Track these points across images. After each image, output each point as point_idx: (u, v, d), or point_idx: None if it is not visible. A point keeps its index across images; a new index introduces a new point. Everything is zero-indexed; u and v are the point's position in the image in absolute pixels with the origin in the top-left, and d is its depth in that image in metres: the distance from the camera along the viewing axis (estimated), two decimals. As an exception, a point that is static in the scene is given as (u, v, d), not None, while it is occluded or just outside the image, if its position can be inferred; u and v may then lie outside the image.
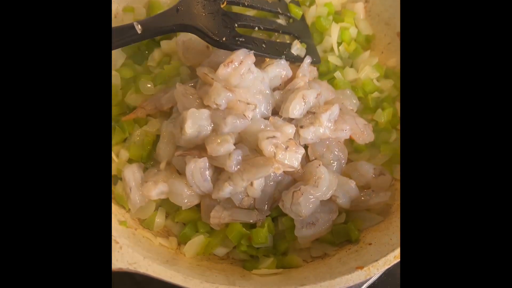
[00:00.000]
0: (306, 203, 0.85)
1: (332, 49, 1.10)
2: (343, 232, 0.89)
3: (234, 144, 0.86)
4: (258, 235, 0.86)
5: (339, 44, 1.11)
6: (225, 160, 0.84)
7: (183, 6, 0.93)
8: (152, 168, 0.92)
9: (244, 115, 0.87)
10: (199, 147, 0.88)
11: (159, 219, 0.91)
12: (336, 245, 0.90)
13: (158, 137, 0.95)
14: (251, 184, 0.86)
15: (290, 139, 0.87)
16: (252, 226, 0.89)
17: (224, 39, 0.92)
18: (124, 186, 0.89)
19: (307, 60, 1.01)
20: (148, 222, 0.91)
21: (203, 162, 0.84)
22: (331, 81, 1.06)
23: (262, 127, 0.88)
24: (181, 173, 0.90)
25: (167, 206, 0.93)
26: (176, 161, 0.90)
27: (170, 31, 0.92)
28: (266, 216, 0.89)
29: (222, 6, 0.97)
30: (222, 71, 0.89)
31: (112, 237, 0.74)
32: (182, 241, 0.90)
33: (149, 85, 1.00)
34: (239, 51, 0.90)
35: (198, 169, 0.84)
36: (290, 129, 0.89)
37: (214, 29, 0.92)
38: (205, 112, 0.85)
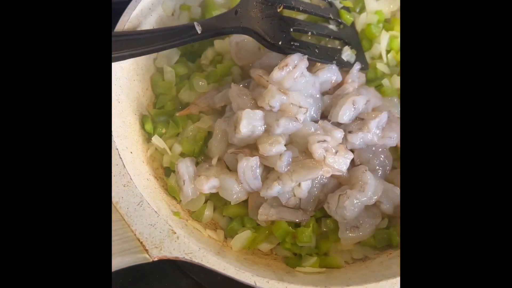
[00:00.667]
0: (351, 207, 0.88)
1: (380, 56, 1.12)
2: (385, 237, 0.91)
3: (285, 145, 0.89)
4: (303, 234, 0.89)
5: (387, 52, 1.12)
6: (276, 160, 0.87)
7: (241, 9, 0.96)
8: (204, 163, 0.97)
9: (296, 118, 0.90)
10: (251, 146, 0.92)
11: (208, 212, 0.95)
12: (377, 249, 0.92)
13: (209, 133, 1.00)
14: (299, 185, 0.89)
15: (340, 143, 0.90)
16: (296, 225, 0.92)
17: (280, 42, 0.95)
18: (177, 179, 0.94)
19: (357, 66, 1.03)
20: (197, 214, 0.95)
21: (254, 161, 0.88)
22: (379, 88, 1.07)
23: (313, 130, 0.91)
24: (231, 169, 0.94)
25: (215, 200, 0.97)
26: (227, 158, 0.94)
27: (229, 33, 0.96)
28: (311, 217, 0.92)
29: (278, 10, 1.00)
30: (277, 74, 0.92)
31: (170, 227, 0.79)
32: (229, 234, 0.94)
33: (202, 83, 1.04)
34: (294, 55, 0.93)
35: (250, 167, 0.88)
36: (339, 134, 0.92)
37: (270, 32, 0.95)
38: (259, 113, 0.89)
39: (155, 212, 0.79)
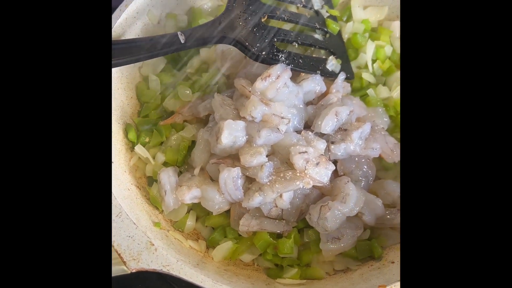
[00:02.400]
0: (333, 218, 0.88)
1: (366, 66, 1.12)
2: (366, 248, 0.91)
3: (267, 156, 0.89)
4: (284, 245, 0.89)
5: (373, 61, 1.12)
6: (257, 171, 0.87)
7: (225, 19, 0.96)
8: (186, 173, 0.97)
9: (278, 128, 0.90)
10: (232, 156, 0.92)
11: (190, 222, 0.95)
12: (359, 260, 0.92)
13: (193, 142, 1.00)
14: (281, 195, 0.89)
15: (322, 155, 0.90)
16: (278, 236, 0.92)
17: (263, 53, 0.95)
18: (159, 188, 0.94)
19: (341, 76, 1.03)
20: (179, 224, 0.95)
21: (236, 171, 0.88)
22: (363, 98, 1.08)
23: (295, 141, 0.91)
24: (213, 179, 0.94)
25: (198, 210, 0.97)
26: (209, 168, 0.94)
27: (212, 43, 0.96)
28: (293, 227, 0.92)
29: (263, 20, 1.00)
30: (260, 84, 0.92)
31: (148, 239, 0.78)
32: (211, 245, 0.94)
33: (187, 92, 1.04)
34: (277, 66, 0.93)
35: (231, 178, 0.88)
36: (322, 145, 0.92)
37: (254, 43, 0.95)
38: (241, 124, 0.89)
39: (134, 223, 0.79)
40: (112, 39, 0.98)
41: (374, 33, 1.16)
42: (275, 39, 0.99)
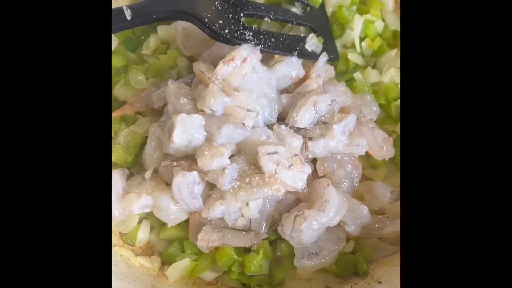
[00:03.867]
0: (309, 230, 0.74)
1: (353, 45, 0.96)
2: (350, 264, 0.78)
3: (231, 157, 0.74)
4: (252, 262, 0.75)
5: (361, 39, 0.96)
6: (218, 176, 0.73)
7: (181, -10, 0.79)
8: (137, 176, 0.82)
9: (243, 124, 0.74)
10: (190, 157, 0.77)
11: (142, 234, 0.81)
12: (340, 278, 0.79)
13: (146, 139, 0.84)
14: (247, 204, 0.74)
15: (296, 155, 0.75)
16: (246, 250, 0.78)
17: (226, 31, 0.78)
18: (103, 196, 0.79)
19: (323, 58, 0.88)
20: (129, 237, 0.81)
21: (192, 177, 0.73)
22: (350, 83, 0.92)
23: (264, 138, 0.76)
24: (169, 184, 0.79)
25: (153, 218, 0.83)
26: (163, 171, 0.79)
27: (164, 19, 0.79)
28: (263, 240, 0.78)
29: (227, -10, 0.83)
30: (222, 70, 0.76)
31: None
32: (167, 260, 0.80)
33: (140, 78, 0.89)
34: (243, 46, 0.77)
35: (186, 184, 0.73)
36: (297, 142, 0.77)
37: (216, 18, 0.79)
38: (197, 119, 0.73)
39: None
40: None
41: (363, 6, 0.99)
42: (242, 14, 0.82)
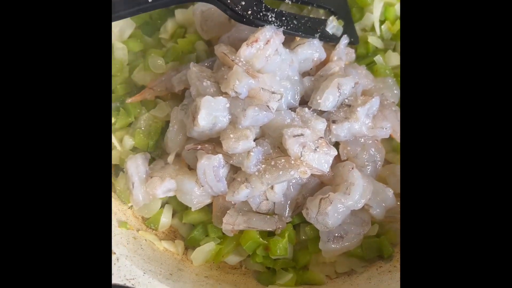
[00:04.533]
0: (334, 213, 0.73)
1: (373, 28, 0.95)
2: (374, 247, 0.78)
3: (255, 140, 0.74)
4: (277, 246, 0.75)
5: (381, 22, 0.95)
6: (243, 159, 0.72)
7: (202, -29, 0.78)
8: (160, 160, 0.81)
9: (267, 106, 0.74)
10: (213, 141, 0.76)
11: (165, 219, 0.81)
12: (365, 261, 0.78)
13: (167, 123, 0.83)
14: (272, 187, 0.74)
15: (321, 137, 0.74)
16: (270, 234, 0.78)
17: (249, 12, 0.77)
18: (126, 180, 0.78)
19: (344, 40, 0.87)
20: (152, 221, 0.81)
21: (217, 160, 0.73)
22: (370, 67, 0.91)
23: (288, 121, 0.76)
24: (192, 168, 0.79)
25: (175, 203, 0.82)
26: (186, 155, 0.78)
27: (184, 1, 0.78)
28: (287, 223, 0.77)
29: (248, -29, 0.81)
30: (245, 51, 0.75)
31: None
32: (190, 245, 0.80)
33: (159, 62, 0.88)
34: (266, 28, 0.76)
35: (211, 167, 0.73)
36: (321, 125, 0.76)
37: (238, 0, 0.77)
38: (222, 101, 0.73)
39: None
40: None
41: (382, -12, 0.97)
42: (264, -5, 0.81)
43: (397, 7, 0.95)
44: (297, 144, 0.71)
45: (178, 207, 0.82)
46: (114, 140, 0.83)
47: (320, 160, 0.72)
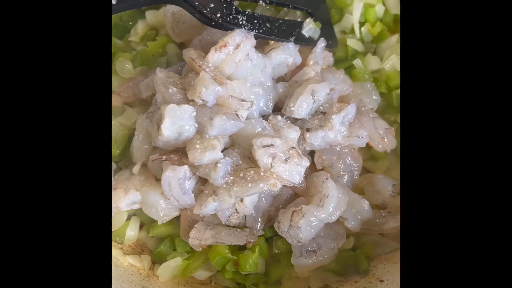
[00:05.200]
0: (307, 227, 0.70)
1: (352, 31, 0.92)
2: (350, 261, 0.75)
3: (223, 150, 0.70)
4: (247, 261, 0.71)
5: (361, 24, 0.92)
6: (210, 170, 0.68)
7: (169, -30, 0.74)
8: (125, 170, 0.78)
9: (236, 114, 0.70)
10: (180, 151, 0.73)
11: (131, 232, 0.77)
12: (340, 276, 0.75)
13: (134, 131, 0.79)
14: (241, 200, 0.70)
15: (292, 147, 0.70)
16: (241, 247, 0.74)
17: (218, 15, 0.73)
18: (89, 192, 0.74)
19: (321, 44, 0.83)
20: (117, 234, 0.77)
21: (182, 171, 0.69)
22: (349, 71, 0.88)
23: (259, 130, 0.72)
24: (158, 179, 0.75)
25: (143, 215, 0.78)
26: (152, 165, 0.75)
27: (152, 3, 0.75)
28: (259, 236, 0.74)
29: (218, -29, 0.77)
30: (213, 56, 0.72)
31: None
32: (157, 259, 0.76)
33: (127, 66, 0.84)
34: (236, 31, 0.73)
35: (176, 179, 0.69)
36: (294, 133, 0.73)
37: (207, 2, 0.74)
38: (187, 110, 0.69)
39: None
40: None
41: (362, -12, 0.94)
42: (235, -3, 0.77)
43: (378, 8, 0.92)
44: (266, 155, 0.68)
45: (146, 220, 0.79)
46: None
47: (291, 172, 0.69)
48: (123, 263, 0.73)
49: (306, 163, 0.70)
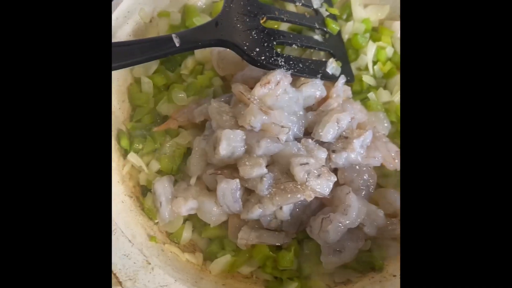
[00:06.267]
0: (334, 231, 0.85)
1: (366, 68, 1.08)
2: (367, 260, 0.90)
3: (266, 167, 0.86)
4: (284, 258, 0.86)
5: (374, 63, 1.08)
6: (257, 183, 0.84)
7: (223, 21, 0.92)
8: (182, 182, 0.93)
9: (278, 138, 0.86)
10: (231, 167, 0.88)
11: (186, 234, 0.92)
12: (359, 272, 0.90)
13: (188, 149, 0.96)
14: (281, 207, 0.86)
15: (323, 165, 0.87)
16: (277, 247, 0.90)
17: (262, 58, 0.90)
18: (154, 200, 0.90)
19: (342, 80, 1.00)
20: (175, 236, 0.92)
21: (235, 184, 0.85)
22: (364, 102, 1.04)
23: (295, 150, 0.88)
24: (210, 189, 0.91)
25: (194, 220, 0.94)
26: (206, 178, 0.90)
27: (208, 46, 0.92)
28: (293, 239, 0.90)
29: (262, 21, 0.95)
30: (259, 91, 0.88)
31: (144, 257, 0.75)
32: (208, 257, 0.91)
33: (181, 95, 1.00)
34: (277, 71, 0.89)
35: (229, 190, 0.85)
36: (323, 154, 0.89)
37: (253, 47, 0.91)
38: (239, 134, 0.85)
39: (129, 241, 0.76)
40: (102, 42, 0.92)
41: (375, 33, 1.12)
42: (274, 42, 0.95)
43: (388, 50, 1.09)
44: (303, 171, 0.84)
45: (197, 223, 0.94)
46: (142, 164, 0.94)
47: (322, 185, 0.85)
48: (182, 259, 0.88)
49: (334, 178, 0.86)
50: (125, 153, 0.97)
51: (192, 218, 0.94)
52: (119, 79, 1.01)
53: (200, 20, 1.07)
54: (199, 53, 1.06)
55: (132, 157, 0.94)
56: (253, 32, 0.92)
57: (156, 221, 0.92)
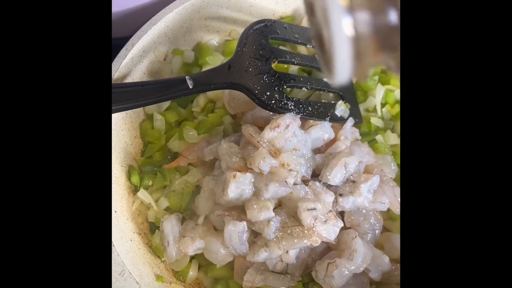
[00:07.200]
0: (339, 276, 0.86)
1: (374, 110, 1.10)
2: (372, 305, 0.90)
3: (274, 209, 0.87)
4: (289, 302, 0.87)
5: (382, 105, 1.10)
6: (264, 226, 0.85)
7: (235, 64, 0.94)
8: (190, 221, 0.94)
9: (286, 181, 0.88)
10: (238, 208, 0.90)
11: (192, 272, 0.93)
12: (364, 317, 0.90)
13: (197, 187, 0.97)
14: (287, 251, 0.87)
15: (330, 211, 0.87)
16: (282, 290, 0.90)
17: (273, 101, 0.92)
18: (162, 238, 0.91)
19: (350, 122, 1.01)
20: (181, 274, 0.93)
21: (242, 226, 0.86)
22: (372, 144, 1.06)
23: (303, 194, 0.89)
24: (217, 229, 0.92)
25: (201, 258, 0.94)
26: (214, 218, 0.91)
27: (220, 88, 0.94)
28: (298, 282, 0.90)
29: (273, 65, 0.98)
30: (268, 134, 0.90)
31: (151, 298, 0.76)
32: (213, 296, 0.92)
33: (192, 133, 1.02)
34: (286, 115, 0.91)
35: (237, 233, 0.86)
36: (330, 198, 0.90)
37: (264, 90, 0.93)
38: (248, 177, 0.87)
39: (137, 282, 0.77)
40: (118, 82, 0.95)
41: (383, 75, 1.14)
42: (285, 86, 0.97)
43: (396, 92, 1.11)
44: (310, 217, 0.85)
45: (203, 262, 0.95)
46: (151, 201, 0.96)
47: (329, 231, 0.86)
48: (188, 298, 0.89)
49: (341, 224, 0.87)
50: (135, 190, 0.98)
51: (198, 257, 0.94)
52: (132, 116, 1.03)
53: (213, 58, 1.10)
54: (211, 92, 1.09)
55: (142, 194, 0.96)
56: (264, 76, 0.94)
57: (163, 259, 0.93)
